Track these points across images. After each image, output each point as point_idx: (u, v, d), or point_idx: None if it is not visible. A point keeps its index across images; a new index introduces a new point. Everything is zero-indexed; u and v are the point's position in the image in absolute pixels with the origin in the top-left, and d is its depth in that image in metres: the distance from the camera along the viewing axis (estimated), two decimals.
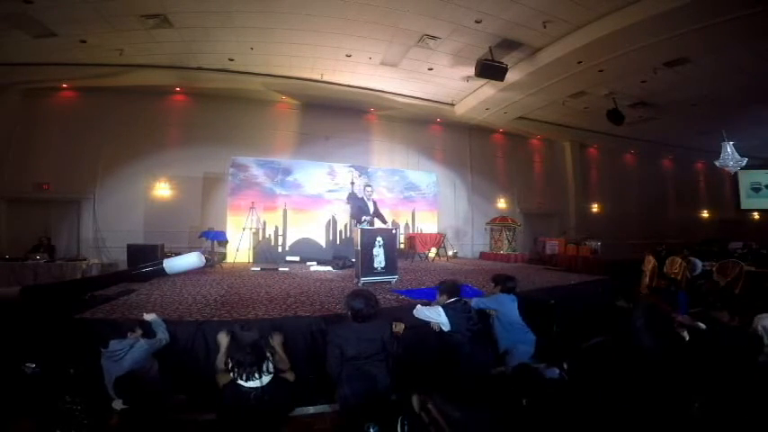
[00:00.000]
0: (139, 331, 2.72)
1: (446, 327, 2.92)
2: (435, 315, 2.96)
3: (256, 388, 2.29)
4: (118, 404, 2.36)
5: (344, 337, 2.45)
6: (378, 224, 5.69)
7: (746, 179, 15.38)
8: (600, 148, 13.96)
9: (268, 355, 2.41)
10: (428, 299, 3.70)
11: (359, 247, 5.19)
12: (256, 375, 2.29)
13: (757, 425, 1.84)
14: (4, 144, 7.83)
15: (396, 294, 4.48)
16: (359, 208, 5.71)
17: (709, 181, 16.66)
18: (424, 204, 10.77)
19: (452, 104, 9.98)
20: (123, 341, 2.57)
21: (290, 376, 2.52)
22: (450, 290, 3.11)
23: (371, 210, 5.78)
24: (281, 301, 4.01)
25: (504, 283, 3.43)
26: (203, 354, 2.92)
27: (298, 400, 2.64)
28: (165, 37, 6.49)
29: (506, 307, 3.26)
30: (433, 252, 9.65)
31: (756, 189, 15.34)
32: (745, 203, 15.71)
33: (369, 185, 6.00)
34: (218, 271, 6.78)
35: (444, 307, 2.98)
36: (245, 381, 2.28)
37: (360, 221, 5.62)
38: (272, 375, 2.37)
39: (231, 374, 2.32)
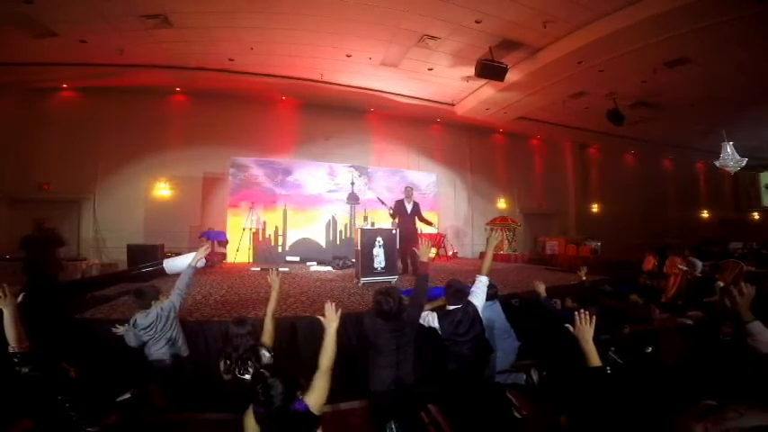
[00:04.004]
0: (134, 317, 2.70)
1: (440, 331, 2.88)
2: (431, 320, 2.88)
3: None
4: (124, 398, 2.35)
5: (372, 329, 2.57)
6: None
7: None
8: (600, 148, 13.96)
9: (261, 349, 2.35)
10: (428, 299, 3.65)
11: (359, 247, 5.19)
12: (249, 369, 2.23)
13: None
14: (4, 144, 7.83)
15: None
16: (397, 211, 6.10)
17: (709, 181, 16.66)
18: (424, 204, 10.65)
19: (452, 104, 9.96)
20: (149, 312, 2.62)
21: None
22: (451, 296, 2.92)
23: (409, 210, 6.12)
24: (281, 301, 4.00)
25: None
26: (203, 354, 2.93)
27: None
28: (165, 37, 6.47)
29: None
30: (432, 252, 9.64)
31: None
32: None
33: (409, 186, 6.42)
34: (218, 271, 6.78)
35: (440, 314, 2.88)
36: (242, 375, 2.23)
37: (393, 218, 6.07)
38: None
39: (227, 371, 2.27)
